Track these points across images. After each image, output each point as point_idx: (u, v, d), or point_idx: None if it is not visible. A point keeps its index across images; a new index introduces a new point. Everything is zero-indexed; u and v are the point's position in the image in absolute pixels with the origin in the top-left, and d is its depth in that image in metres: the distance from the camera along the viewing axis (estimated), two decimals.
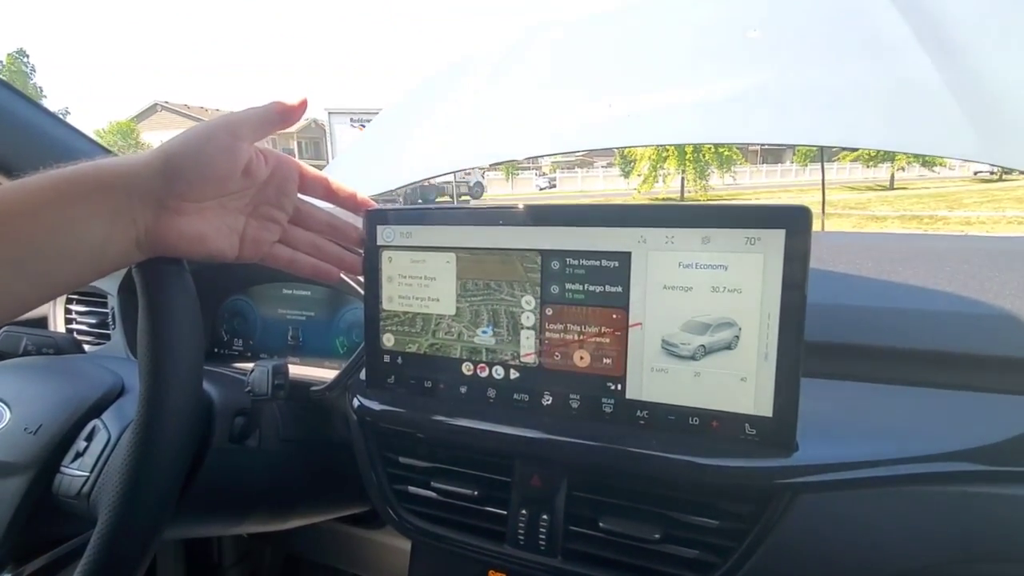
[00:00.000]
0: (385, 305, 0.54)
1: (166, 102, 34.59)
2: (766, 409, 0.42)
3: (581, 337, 0.48)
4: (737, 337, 0.43)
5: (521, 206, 0.48)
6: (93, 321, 0.87)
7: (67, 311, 0.91)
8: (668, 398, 0.45)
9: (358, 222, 0.53)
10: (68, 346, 0.74)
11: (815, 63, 0.81)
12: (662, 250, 0.44)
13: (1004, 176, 19.12)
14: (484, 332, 0.51)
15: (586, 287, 0.47)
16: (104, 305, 0.87)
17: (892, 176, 20.69)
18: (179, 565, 1.00)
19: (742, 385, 0.43)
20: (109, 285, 0.84)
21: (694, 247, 0.43)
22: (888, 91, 0.74)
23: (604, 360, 0.47)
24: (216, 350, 0.88)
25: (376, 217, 0.53)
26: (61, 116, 0.74)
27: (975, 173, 21.67)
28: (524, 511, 0.50)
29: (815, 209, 0.51)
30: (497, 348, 0.50)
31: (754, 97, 0.85)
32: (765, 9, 0.88)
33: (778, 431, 0.42)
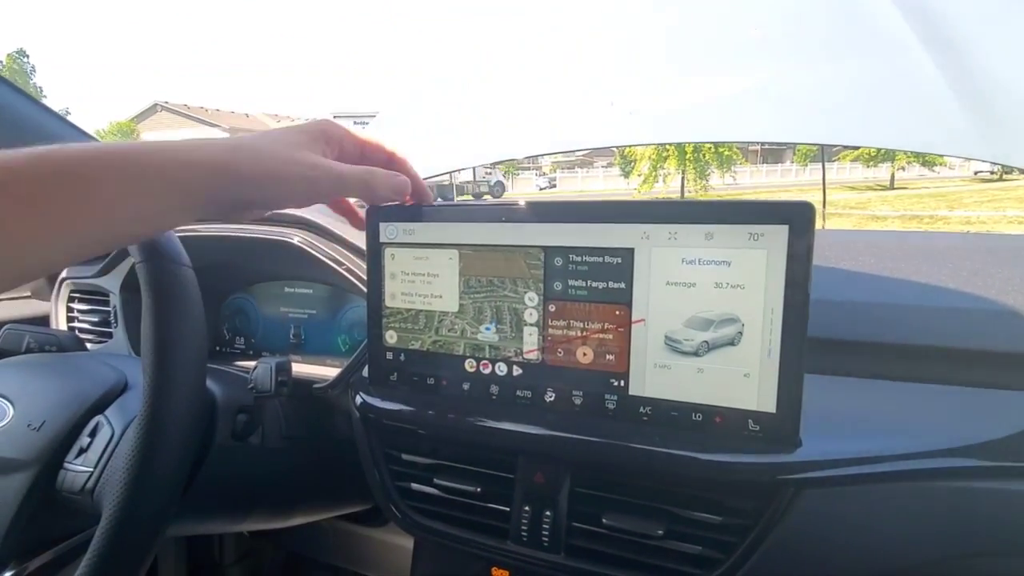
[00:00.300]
0: (388, 302, 0.54)
1: (166, 102, 34.59)
2: (769, 405, 0.42)
3: (584, 333, 0.48)
4: (740, 333, 0.43)
5: (524, 203, 0.49)
6: (95, 319, 0.88)
7: (69, 309, 0.91)
8: (671, 394, 0.45)
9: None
10: (71, 344, 0.75)
11: (816, 61, 0.81)
12: (665, 246, 0.44)
13: (1004, 176, 19.13)
14: (487, 329, 0.51)
15: (589, 283, 0.47)
16: (106, 303, 0.87)
17: (892, 176, 20.70)
18: (180, 563, 1.00)
19: (745, 381, 0.43)
20: (111, 283, 0.84)
21: (697, 243, 0.43)
22: (889, 89, 0.74)
23: (607, 356, 0.47)
24: (218, 348, 0.88)
25: (378, 214, 0.53)
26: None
27: (975, 173, 21.67)
28: (527, 508, 0.50)
29: (816, 207, 0.52)
30: (500, 345, 0.50)
31: (754, 95, 0.85)
32: (766, 7, 0.88)
33: (781, 427, 0.42)
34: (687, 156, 15.60)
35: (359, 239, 0.70)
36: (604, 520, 0.47)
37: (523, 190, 27.63)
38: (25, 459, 0.52)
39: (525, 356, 0.50)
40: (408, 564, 0.66)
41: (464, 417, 0.51)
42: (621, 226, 0.45)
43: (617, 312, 0.46)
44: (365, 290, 0.55)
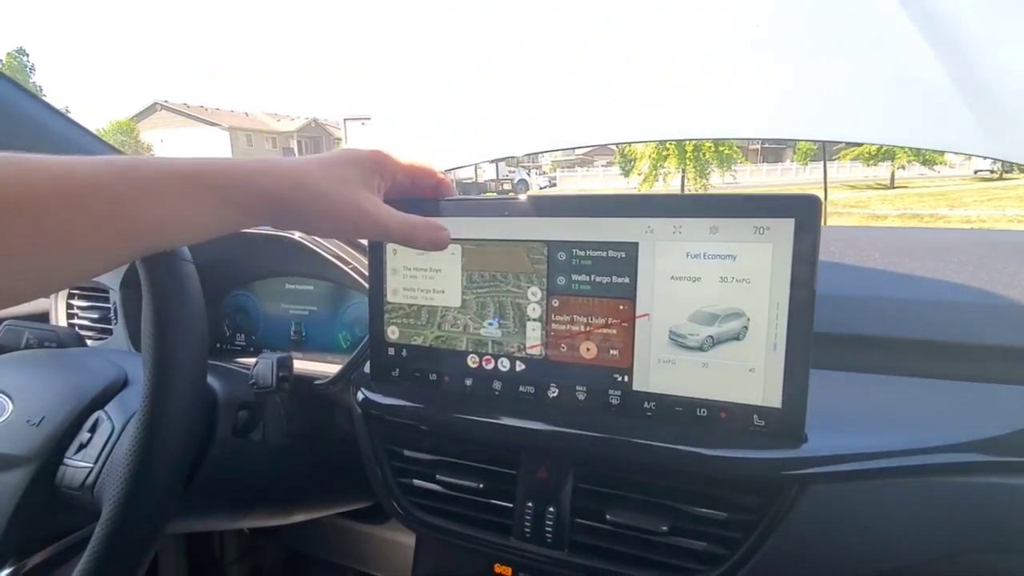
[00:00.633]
0: (390, 297, 0.54)
1: (166, 101, 34.58)
2: (775, 400, 0.42)
3: (588, 328, 0.47)
4: (745, 327, 0.42)
5: (526, 197, 0.48)
6: (95, 316, 0.87)
7: (69, 306, 0.90)
8: (675, 389, 0.45)
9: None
10: (70, 340, 0.74)
11: (817, 59, 0.80)
12: (670, 240, 0.44)
13: (1004, 175, 19.12)
14: (490, 324, 0.50)
15: (593, 278, 0.47)
16: (106, 300, 0.86)
17: (892, 175, 20.68)
18: (181, 561, 1.00)
19: (750, 376, 0.43)
20: (111, 280, 0.84)
21: (702, 237, 0.43)
22: (891, 87, 0.74)
23: (611, 351, 0.47)
24: (219, 345, 0.87)
25: None
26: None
27: (975, 172, 21.67)
28: (530, 504, 0.50)
29: None
30: (503, 340, 0.50)
31: (757, 92, 0.85)
32: (769, 5, 0.88)
33: (787, 422, 0.42)
34: (687, 155, 15.59)
35: None
36: (608, 516, 0.47)
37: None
38: (25, 455, 0.52)
39: (528, 351, 0.49)
40: (410, 561, 0.66)
41: (466, 413, 0.51)
42: (625, 220, 0.45)
43: (621, 307, 0.46)
44: (367, 286, 0.55)
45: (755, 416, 0.43)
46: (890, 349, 0.49)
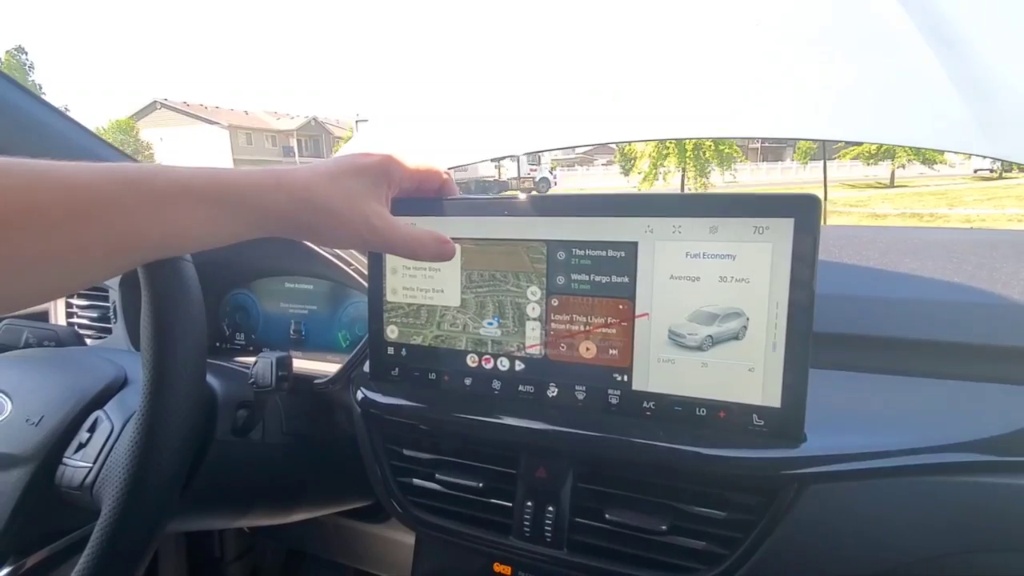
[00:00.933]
0: (389, 297, 0.54)
1: (165, 99, 34.54)
2: (774, 400, 0.42)
3: (587, 328, 0.47)
4: (745, 327, 0.42)
5: (526, 196, 0.48)
6: (94, 315, 0.87)
7: (68, 305, 0.90)
8: (675, 389, 0.45)
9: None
10: (69, 339, 0.74)
11: (820, 57, 0.80)
12: (669, 240, 0.44)
13: (1004, 174, 19.11)
14: (490, 324, 0.50)
15: (592, 277, 0.47)
16: (105, 299, 0.86)
17: (892, 174, 20.67)
18: (181, 560, 1.00)
19: (750, 375, 0.43)
20: (111, 279, 0.84)
21: (701, 237, 0.43)
22: (892, 86, 0.74)
23: (610, 351, 0.47)
24: (218, 344, 0.87)
25: None
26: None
27: (975, 171, 21.66)
28: (530, 503, 0.50)
29: None
30: (503, 340, 0.50)
31: (758, 90, 0.85)
32: (770, 3, 0.88)
33: (786, 422, 0.42)
34: (687, 153, 15.57)
35: None
36: (607, 515, 0.47)
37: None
38: (23, 454, 0.52)
39: (527, 351, 0.49)
40: (409, 560, 0.66)
41: (466, 412, 0.51)
42: (625, 220, 0.45)
43: (620, 306, 0.46)
44: (366, 285, 0.55)
45: (754, 416, 0.43)
46: (889, 348, 0.49)
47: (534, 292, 0.49)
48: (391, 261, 0.53)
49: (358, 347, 0.60)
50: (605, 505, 0.48)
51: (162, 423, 0.42)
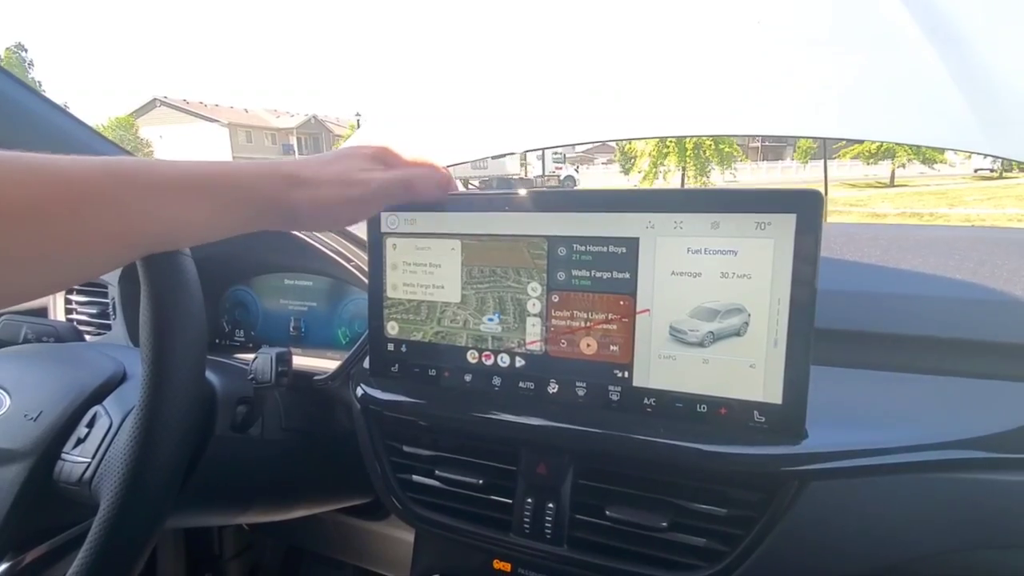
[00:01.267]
0: (389, 293, 0.54)
1: (165, 97, 34.50)
2: (775, 396, 0.42)
3: (588, 324, 0.47)
4: (746, 323, 0.42)
5: (527, 192, 0.48)
6: (94, 311, 0.87)
7: (67, 301, 0.90)
8: (676, 385, 0.45)
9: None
10: (69, 334, 0.74)
11: (820, 55, 0.80)
12: (670, 235, 0.44)
13: (1004, 174, 19.11)
14: (491, 320, 0.50)
15: (593, 273, 0.46)
16: (105, 295, 0.86)
17: (892, 173, 20.66)
18: (179, 558, 0.99)
19: (751, 372, 0.42)
20: (110, 275, 0.83)
21: (703, 232, 0.43)
22: (894, 84, 0.74)
23: (611, 347, 0.46)
24: (217, 341, 0.87)
25: None
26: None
27: (975, 171, 21.64)
28: (530, 500, 0.50)
29: None
30: (504, 336, 0.50)
31: (759, 89, 0.84)
32: (771, 2, 0.87)
33: (787, 418, 0.42)
34: (687, 152, 15.57)
35: (360, 229, 0.70)
36: (608, 512, 0.47)
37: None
38: (22, 449, 0.52)
39: (528, 347, 0.49)
40: (409, 558, 0.66)
41: (466, 408, 0.51)
42: (626, 215, 0.45)
43: (621, 302, 0.46)
44: (366, 281, 0.54)
45: (755, 412, 0.43)
46: (891, 345, 0.49)
47: (535, 288, 0.48)
48: (391, 257, 0.53)
49: (358, 343, 0.60)
50: (605, 502, 0.47)
51: (161, 418, 0.42)
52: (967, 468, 0.41)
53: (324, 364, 0.72)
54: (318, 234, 0.72)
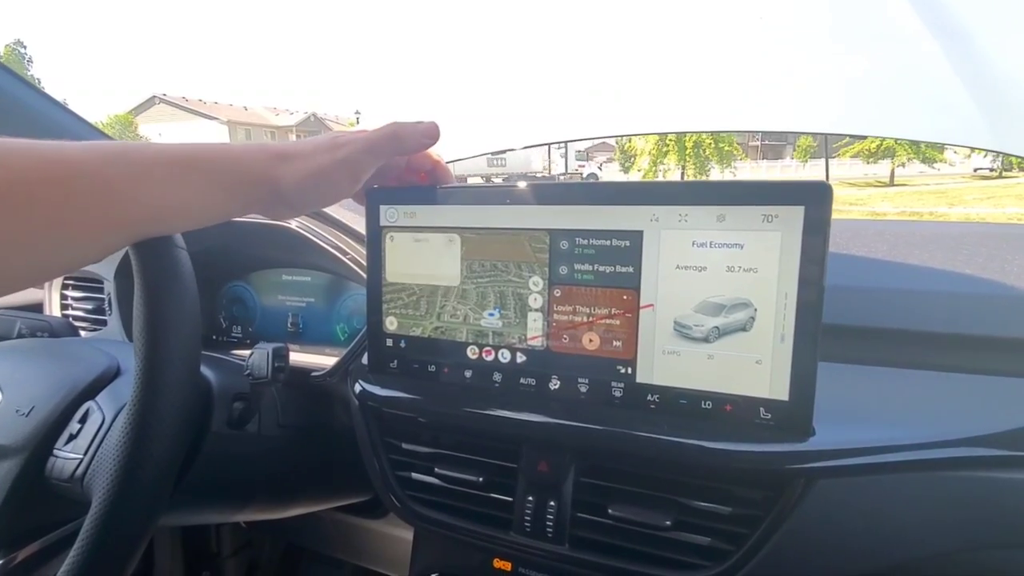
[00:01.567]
0: (388, 288, 0.53)
1: (164, 95, 34.44)
2: (782, 393, 0.41)
3: (590, 319, 0.46)
4: (752, 318, 0.41)
5: (528, 184, 0.47)
6: (89, 307, 0.86)
7: (63, 296, 0.89)
8: (680, 381, 0.44)
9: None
10: (63, 330, 0.73)
11: (824, 52, 0.79)
12: (675, 228, 0.43)
13: (1004, 173, 19.11)
14: (491, 315, 0.49)
15: (596, 267, 0.45)
16: (100, 291, 0.85)
17: (892, 172, 20.64)
18: (177, 555, 0.99)
19: (757, 368, 0.42)
20: (106, 270, 0.83)
21: (709, 225, 0.42)
22: (897, 80, 0.73)
23: (614, 343, 0.46)
24: (215, 337, 0.86)
25: (378, 197, 0.52)
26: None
27: (975, 170, 21.65)
28: (531, 498, 0.49)
29: None
30: (504, 331, 0.49)
31: (759, 86, 0.84)
32: None
33: (794, 415, 0.41)
34: (687, 151, 15.59)
35: (359, 223, 0.69)
36: (610, 511, 0.46)
37: None
38: (13, 445, 0.51)
39: (529, 342, 0.48)
40: (408, 557, 0.65)
41: (466, 405, 0.50)
42: (629, 208, 0.44)
43: (625, 297, 0.45)
44: (365, 276, 0.54)
45: (761, 409, 0.42)
46: (899, 341, 0.48)
47: (536, 282, 0.47)
48: (390, 251, 0.52)
49: (356, 339, 0.59)
50: (608, 500, 0.47)
51: (154, 413, 0.41)
52: (976, 466, 0.41)
53: (322, 360, 0.71)
54: (316, 228, 0.71)
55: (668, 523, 0.44)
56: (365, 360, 0.56)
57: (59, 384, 0.53)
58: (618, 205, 0.44)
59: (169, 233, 0.39)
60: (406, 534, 0.77)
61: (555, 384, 0.48)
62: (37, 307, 0.92)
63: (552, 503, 0.48)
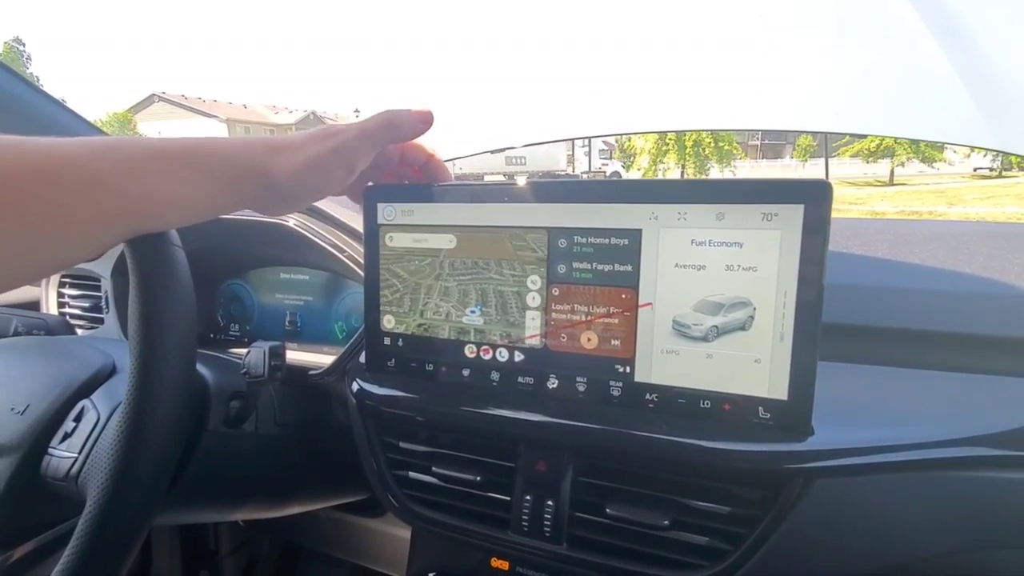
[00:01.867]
0: (385, 286, 0.52)
1: (163, 92, 34.40)
2: (781, 392, 0.41)
3: (589, 318, 0.46)
4: (752, 317, 0.41)
5: (526, 182, 0.47)
6: (86, 305, 0.86)
7: (60, 295, 0.89)
8: (679, 381, 0.44)
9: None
10: (59, 328, 0.73)
11: (824, 50, 0.79)
12: (674, 227, 0.43)
13: (1004, 173, 19.12)
14: (472, 312, 0.49)
15: (594, 266, 0.45)
16: (97, 289, 0.85)
17: (892, 172, 20.65)
18: (175, 554, 0.99)
19: (756, 367, 0.41)
20: (102, 268, 0.82)
21: (708, 224, 0.42)
22: (898, 78, 0.73)
23: (612, 342, 0.45)
24: (212, 335, 0.86)
25: (376, 194, 0.51)
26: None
27: (974, 169, 21.66)
28: (528, 497, 0.49)
29: None
30: (503, 330, 0.49)
31: (761, 83, 0.84)
32: None
33: (793, 415, 0.41)
34: (687, 150, 15.59)
35: (356, 221, 0.69)
36: (608, 510, 0.46)
37: None
38: (8, 444, 0.50)
39: (527, 341, 0.48)
40: (406, 555, 0.65)
41: (463, 404, 0.50)
42: (628, 206, 0.44)
43: (623, 295, 0.44)
44: (362, 274, 0.53)
45: (760, 408, 0.42)
46: (899, 340, 0.48)
47: (534, 281, 0.47)
48: (388, 247, 0.52)
49: (354, 337, 0.59)
50: (606, 499, 0.46)
51: (149, 412, 0.40)
52: (977, 466, 0.40)
53: (320, 359, 0.71)
54: (314, 226, 0.71)
55: (666, 523, 0.44)
56: (363, 359, 0.55)
57: (54, 382, 0.53)
58: (617, 203, 0.44)
59: (162, 229, 0.38)
60: (404, 533, 0.77)
61: (553, 383, 0.48)
62: (34, 305, 0.91)
63: (550, 502, 0.48)
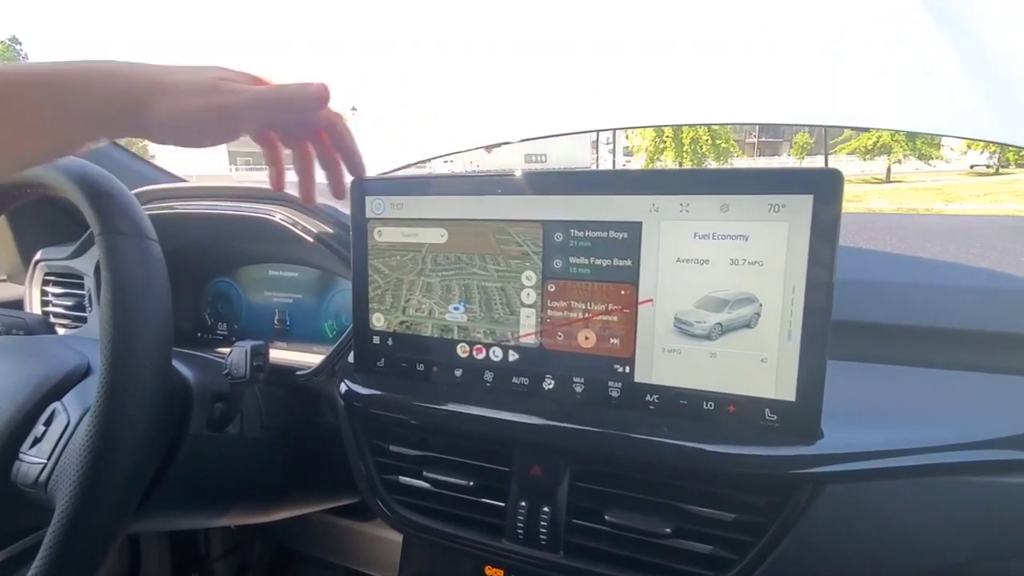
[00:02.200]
0: (374, 283, 0.50)
1: None
2: (788, 393, 0.39)
3: (586, 315, 0.44)
4: (758, 314, 0.39)
5: (521, 173, 0.45)
6: (70, 303, 0.83)
7: (43, 293, 0.87)
8: (681, 381, 0.42)
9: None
10: (39, 327, 0.70)
11: (824, 45, 0.78)
12: (676, 219, 0.40)
13: (1000, 170, 19.18)
14: (456, 308, 0.47)
15: (592, 261, 0.43)
16: (80, 287, 0.82)
17: (888, 169, 20.68)
18: (164, 558, 0.96)
19: (762, 367, 0.39)
20: (85, 265, 0.80)
21: (711, 216, 0.39)
22: (902, 72, 0.72)
23: (611, 340, 0.43)
24: (199, 334, 0.84)
25: (364, 187, 0.49)
26: None
27: (971, 167, 21.72)
28: (524, 503, 0.46)
29: None
30: (496, 328, 0.47)
31: (763, 79, 0.83)
32: None
33: (801, 417, 0.39)
34: (684, 147, 15.61)
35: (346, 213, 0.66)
36: (607, 517, 0.44)
37: None
38: None
39: (522, 340, 0.46)
40: (399, 559, 0.63)
41: (456, 406, 0.48)
42: (627, 198, 0.42)
43: (622, 292, 0.42)
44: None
45: (767, 410, 0.40)
46: (911, 338, 0.46)
47: (529, 277, 0.45)
48: (377, 243, 0.50)
49: (343, 336, 0.57)
50: (604, 506, 0.44)
51: (120, 415, 0.38)
52: (996, 471, 0.38)
53: (309, 358, 0.68)
54: (302, 222, 0.68)
55: (668, 530, 0.42)
56: (352, 358, 0.53)
57: (24, 384, 0.50)
58: (616, 195, 0.42)
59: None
60: (396, 536, 0.75)
61: (549, 384, 0.46)
62: (19, 304, 0.89)
63: (546, 509, 0.46)
